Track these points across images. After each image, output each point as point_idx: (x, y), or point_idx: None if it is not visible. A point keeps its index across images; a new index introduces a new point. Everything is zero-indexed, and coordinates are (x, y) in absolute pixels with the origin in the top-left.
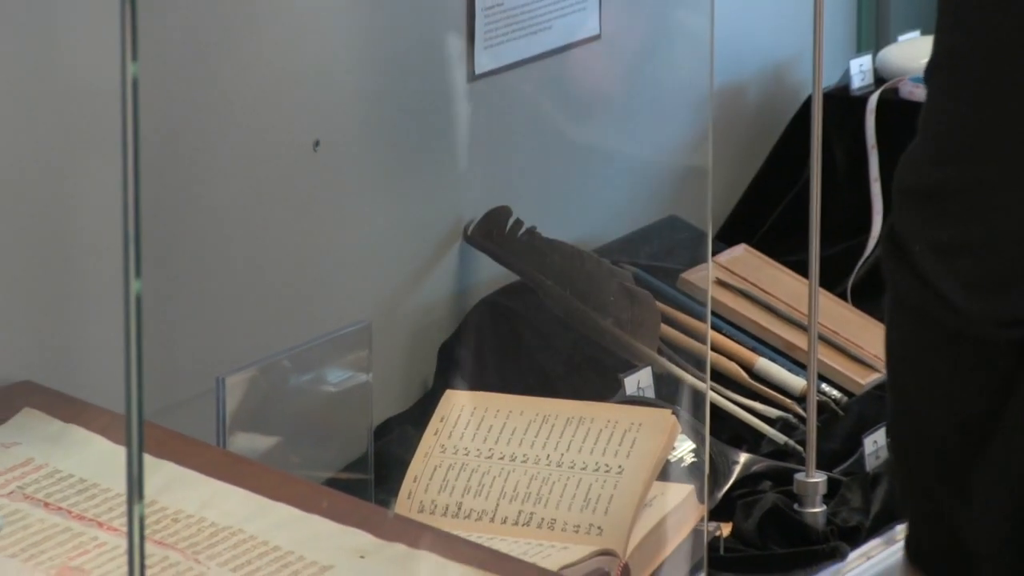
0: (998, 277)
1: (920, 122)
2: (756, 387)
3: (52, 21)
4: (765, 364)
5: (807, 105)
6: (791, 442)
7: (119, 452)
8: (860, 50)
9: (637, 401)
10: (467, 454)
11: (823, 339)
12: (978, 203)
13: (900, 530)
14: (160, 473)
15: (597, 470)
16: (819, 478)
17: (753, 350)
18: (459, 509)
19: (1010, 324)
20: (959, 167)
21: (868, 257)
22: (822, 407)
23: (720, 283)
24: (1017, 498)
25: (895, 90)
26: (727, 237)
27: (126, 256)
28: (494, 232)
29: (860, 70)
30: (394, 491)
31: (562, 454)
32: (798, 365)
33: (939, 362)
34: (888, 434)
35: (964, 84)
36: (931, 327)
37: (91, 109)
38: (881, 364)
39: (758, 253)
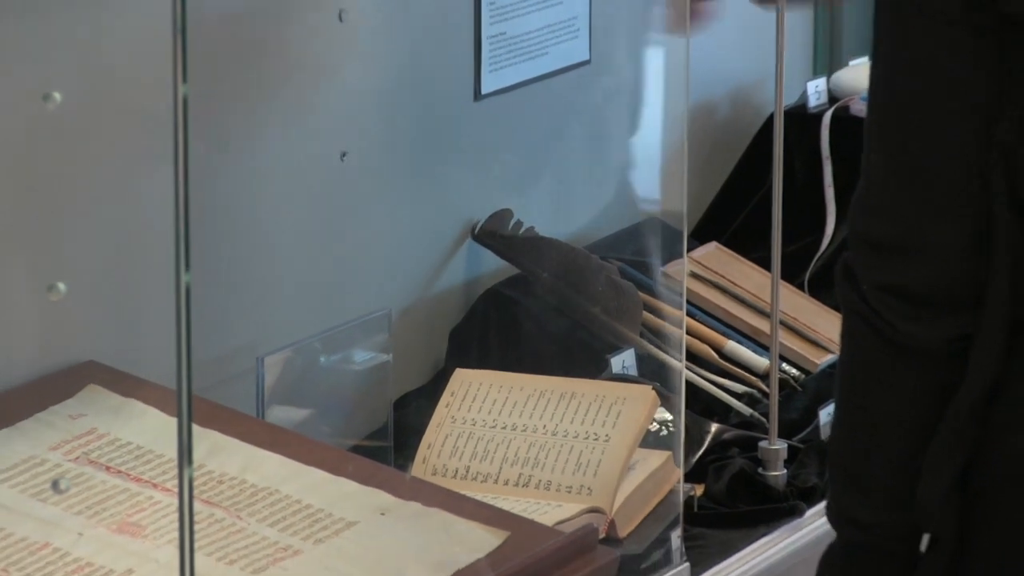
0: (932, 311)
1: (862, 166)
2: (725, 366)
3: (119, 50)
4: (733, 346)
5: (770, 121)
6: (756, 414)
7: (171, 423)
8: (816, 73)
9: (622, 378)
10: (474, 424)
11: (783, 324)
12: (910, 253)
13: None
14: (207, 441)
15: (587, 438)
16: (780, 445)
17: (723, 334)
18: (467, 472)
19: (943, 342)
20: (892, 220)
21: (822, 254)
22: (782, 383)
23: (694, 276)
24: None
25: (847, 108)
26: (700, 236)
27: (177, 252)
28: (497, 231)
29: (816, 90)
30: (411, 457)
31: (556, 424)
32: (762, 347)
33: (883, 369)
34: (833, 427)
35: (889, 140)
36: (879, 346)
37: (151, 123)
38: (834, 346)
39: (727, 250)
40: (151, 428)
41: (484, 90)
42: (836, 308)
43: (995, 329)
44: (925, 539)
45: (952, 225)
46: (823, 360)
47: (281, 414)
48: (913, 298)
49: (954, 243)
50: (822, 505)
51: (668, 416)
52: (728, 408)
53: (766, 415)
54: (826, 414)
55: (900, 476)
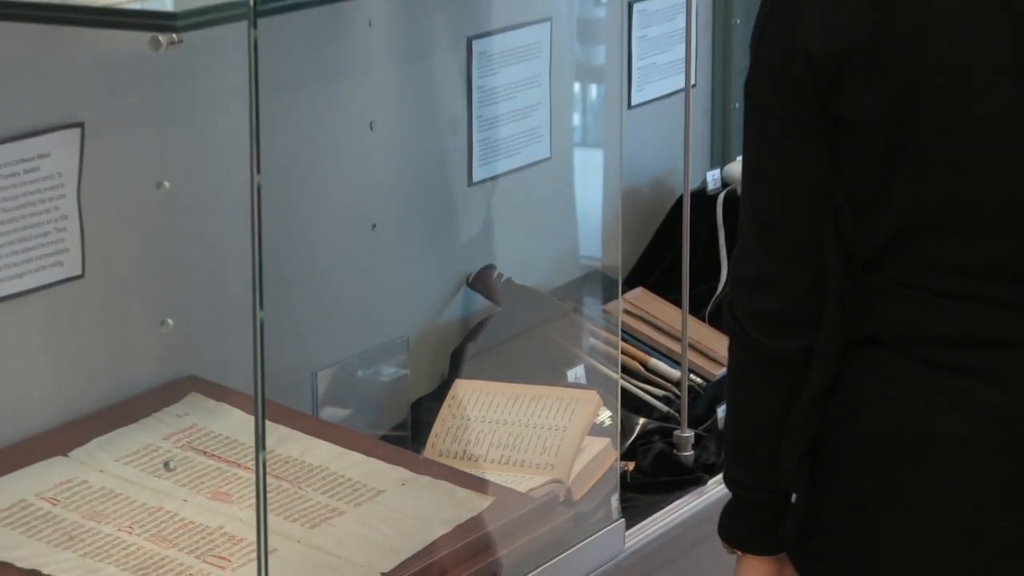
0: (785, 331)
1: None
2: (649, 376)
3: (209, 150)
4: (655, 362)
5: (679, 201)
6: (671, 411)
7: (250, 419)
8: (712, 165)
9: (575, 386)
10: (469, 420)
11: (691, 346)
12: (769, 289)
13: None
14: (275, 433)
15: (550, 429)
16: (689, 433)
17: (647, 353)
18: (464, 454)
19: (793, 353)
20: (756, 266)
21: (718, 295)
22: (690, 388)
23: (626, 312)
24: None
25: (735, 191)
26: (630, 283)
27: (254, 295)
28: (485, 281)
29: (713, 178)
30: (423, 443)
31: (528, 419)
32: (675, 363)
33: (754, 374)
34: (725, 418)
35: (753, 208)
36: (749, 357)
37: (232, 202)
38: (726, 361)
39: (651, 293)
40: (236, 423)
41: (475, 179)
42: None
43: (829, 344)
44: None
45: (798, 269)
46: (719, 372)
47: (330, 413)
48: (771, 322)
49: (800, 282)
50: (719, 476)
51: (608, 413)
52: (651, 407)
53: (679, 411)
54: (721, 410)
55: (770, 450)
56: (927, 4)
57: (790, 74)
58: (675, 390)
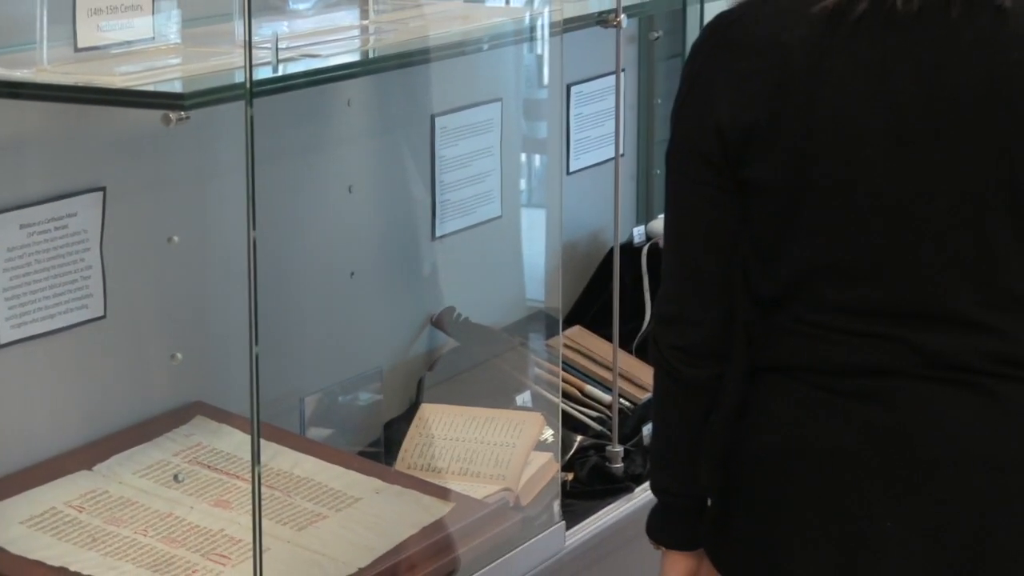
0: (699, 361)
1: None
2: (585, 400)
3: (212, 207)
4: (590, 389)
5: (610, 252)
6: (604, 429)
7: (247, 438)
8: (638, 222)
9: (522, 409)
10: (433, 438)
11: (621, 375)
12: (686, 325)
13: None
14: (269, 449)
15: (502, 445)
16: (619, 449)
17: (584, 381)
18: (429, 467)
19: (706, 380)
20: (675, 305)
21: (643, 332)
22: (620, 411)
23: (566, 346)
24: (715, 462)
25: (657, 244)
26: (569, 322)
27: (250, 330)
28: (446, 320)
29: (638, 233)
30: (395, 457)
31: (483, 436)
32: (607, 388)
33: (674, 397)
34: (651, 435)
35: (673, 256)
36: (669, 383)
37: (232, 256)
38: (651, 387)
39: (587, 330)
40: (235, 442)
41: (437, 234)
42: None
43: (736, 372)
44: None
45: (710, 308)
46: (644, 396)
47: (315, 432)
48: (688, 353)
49: (712, 319)
50: (646, 484)
51: (550, 431)
52: (587, 426)
53: (610, 430)
54: (647, 429)
55: (689, 460)
56: (816, 87)
57: (703, 146)
58: (607, 412)
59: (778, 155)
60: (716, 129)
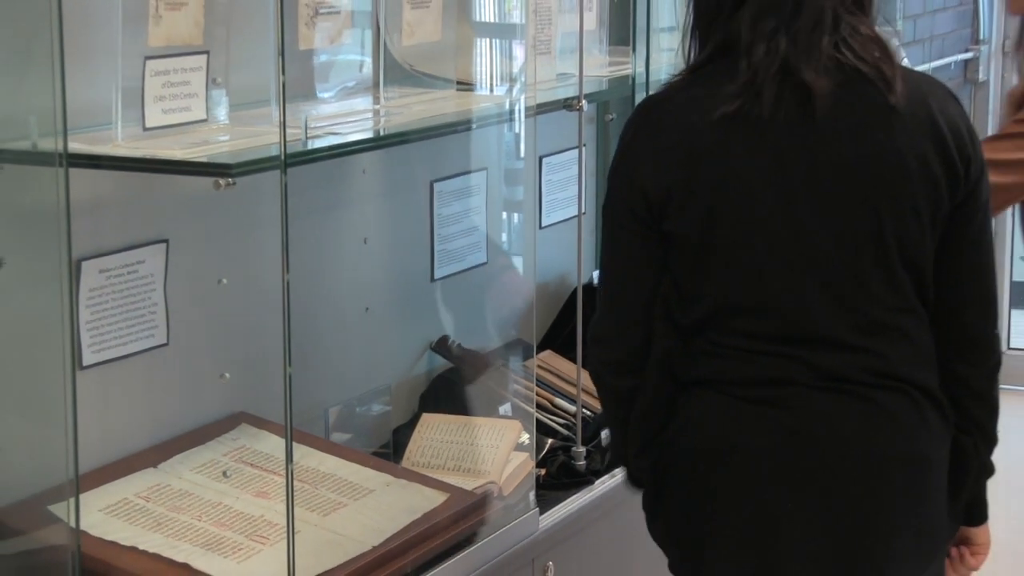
0: (622, 373)
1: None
2: (555, 410)
3: (254, 253)
4: (559, 401)
5: (575, 291)
6: (570, 434)
7: (282, 442)
8: (597, 266)
9: (504, 418)
10: (432, 441)
11: (583, 390)
12: (614, 345)
13: (618, 471)
14: (299, 450)
15: (488, 447)
16: (582, 449)
17: (554, 395)
18: (429, 464)
19: (627, 389)
20: (604, 328)
21: None
22: (583, 419)
23: (539, 367)
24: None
25: None
26: (542, 347)
27: (285, 354)
28: (443, 346)
29: (597, 275)
30: (401, 457)
31: (472, 440)
32: (572, 401)
33: (609, 402)
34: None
35: (605, 288)
36: (603, 392)
37: (274, 290)
38: None
39: (556, 354)
40: (273, 444)
41: (436, 276)
42: None
43: (650, 383)
44: None
45: (633, 330)
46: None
47: (337, 436)
48: (611, 366)
49: (634, 340)
50: (605, 477)
51: (527, 436)
52: (556, 431)
53: (575, 434)
54: (604, 433)
55: (623, 446)
56: (723, 156)
57: (632, 203)
58: (572, 419)
59: (691, 213)
60: (641, 190)
